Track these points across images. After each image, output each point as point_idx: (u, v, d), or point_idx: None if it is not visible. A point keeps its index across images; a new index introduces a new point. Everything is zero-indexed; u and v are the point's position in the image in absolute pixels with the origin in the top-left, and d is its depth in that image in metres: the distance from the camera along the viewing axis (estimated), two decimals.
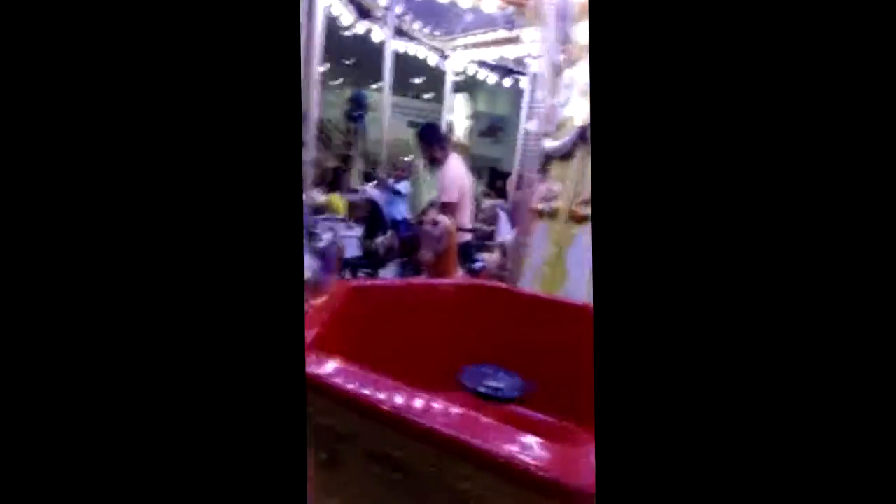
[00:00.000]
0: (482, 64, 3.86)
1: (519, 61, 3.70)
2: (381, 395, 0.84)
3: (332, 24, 2.90)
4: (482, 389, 1.11)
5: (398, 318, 1.33)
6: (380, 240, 2.87)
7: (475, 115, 4.17)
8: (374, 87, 5.90)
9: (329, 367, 0.88)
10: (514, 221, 3.76)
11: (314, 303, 1.17)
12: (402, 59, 3.50)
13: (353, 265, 2.69)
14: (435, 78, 3.77)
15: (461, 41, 3.36)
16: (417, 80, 3.77)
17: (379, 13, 3.02)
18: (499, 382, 1.13)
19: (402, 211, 3.27)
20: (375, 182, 3.44)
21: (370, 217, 2.92)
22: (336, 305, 1.14)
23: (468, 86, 4.31)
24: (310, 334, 1.00)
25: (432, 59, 3.59)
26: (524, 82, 4.02)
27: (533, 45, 2.57)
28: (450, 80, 3.67)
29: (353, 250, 2.79)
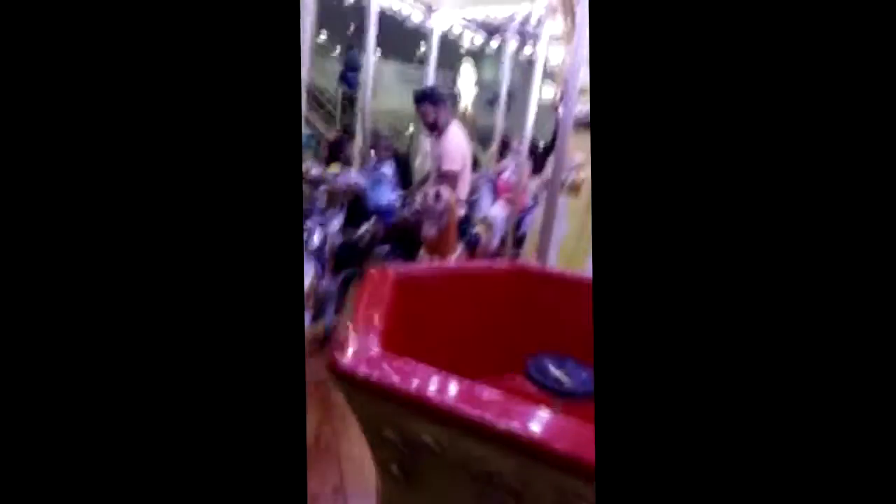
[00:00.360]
0: (469, 22, 3.66)
1: (508, 20, 3.53)
2: (468, 404, 0.74)
3: None
4: (553, 384, 1.03)
5: (446, 307, 1.23)
6: (363, 228, 2.67)
7: (481, 84, 4.00)
8: (376, 55, 5.78)
9: (403, 371, 0.78)
10: (495, 195, 3.67)
11: (359, 294, 1.04)
12: (403, 27, 3.28)
13: (339, 260, 2.46)
14: (442, 46, 3.57)
15: None
16: (422, 48, 3.53)
17: None
18: (570, 376, 1.05)
19: (386, 195, 3.06)
20: (357, 164, 3.18)
21: (352, 204, 2.67)
22: (385, 298, 1.02)
23: (473, 54, 4.11)
24: (368, 330, 0.89)
25: (417, 17, 3.37)
26: (513, 45, 3.86)
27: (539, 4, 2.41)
28: (436, 38, 3.46)
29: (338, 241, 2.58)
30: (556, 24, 2.35)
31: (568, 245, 1.94)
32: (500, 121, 3.94)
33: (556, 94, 2.27)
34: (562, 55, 2.27)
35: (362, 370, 0.76)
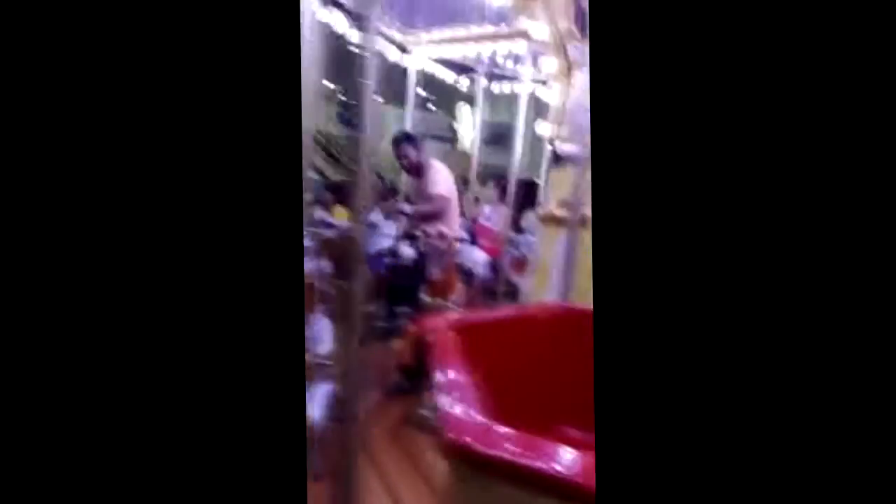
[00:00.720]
0: (440, 61, 3.71)
1: (481, 58, 3.61)
2: None
3: (337, 40, 2.75)
4: None
5: (502, 355, 1.16)
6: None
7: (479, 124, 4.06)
8: (379, 100, 6.20)
9: (540, 449, 0.69)
10: (474, 240, 3.65)
11: (433, 352, 0.96)
12: (404, 74, 3.36)
13: None
14: (442, 90, 3.63)
15: (438, 36, 3.18)
16: (422, 92, 3.58)
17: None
18: None
19: (375, 244, 2.97)
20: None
21: (345, 256, 2.55)
22: (459, 354, 0.94)
23: (471, 94, 4.18)
24: (466, 398, 0.80)
25: (394, 56, 3.39)
26: (482, 82, 3.96)
27: (536, 42, 2.48)
28: (412, 78, 3.49)
29: None
30: (549, 63, 2.42)
31: (581, 282, 1.93)
32: (475, 160, 3.96)
33: (553, 131, 2.31)
34: (556, 93, 2.33)
35: (494, 451, 0.67)
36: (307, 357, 1.39)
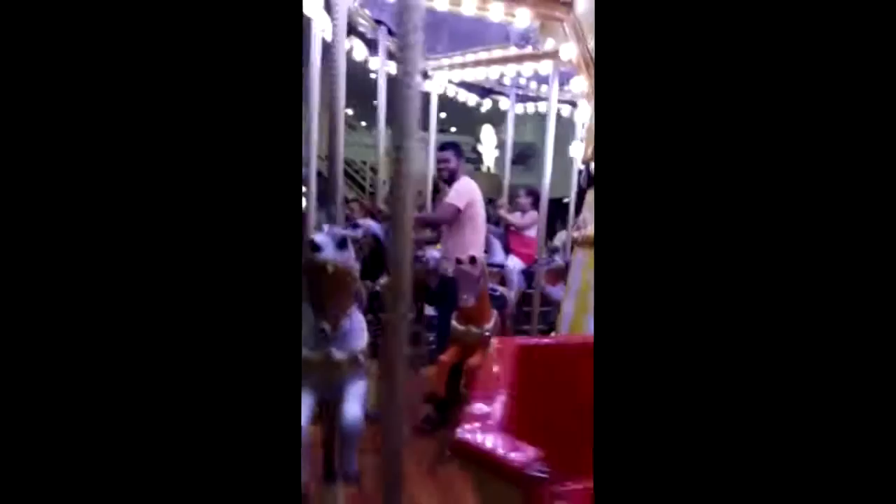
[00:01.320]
0: (461, 84, 3.79)
1: (508, 80, 3.68)
2: None
3: (357, 67, 2.90)
4: None
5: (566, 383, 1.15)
6: (383, 280, 2.58)
7: (502, 145, 4.24)
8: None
9: None
10: (506, 247, 3.68)
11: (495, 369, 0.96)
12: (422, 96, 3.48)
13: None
14: (459, 112, 3.76)
15: (461, 59, 3.26)
16: (442, 115, 3.71)
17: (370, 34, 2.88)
18: None
19: None
20: (372, 215, 3.16)
21: (371, 255, 2.59)
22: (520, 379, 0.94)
23: (491, 115, 4.36)
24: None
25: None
26: (504, 103, 4.01)
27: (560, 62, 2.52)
28: (434, 102, 3.56)
29: None
30: (577, 83, 2.44)
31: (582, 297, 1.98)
32: (506, 179, 4.02)
33: (586, 151, 2.32)
34: (586, 113, 2.34)
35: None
36: (339, 354, 1.39)
